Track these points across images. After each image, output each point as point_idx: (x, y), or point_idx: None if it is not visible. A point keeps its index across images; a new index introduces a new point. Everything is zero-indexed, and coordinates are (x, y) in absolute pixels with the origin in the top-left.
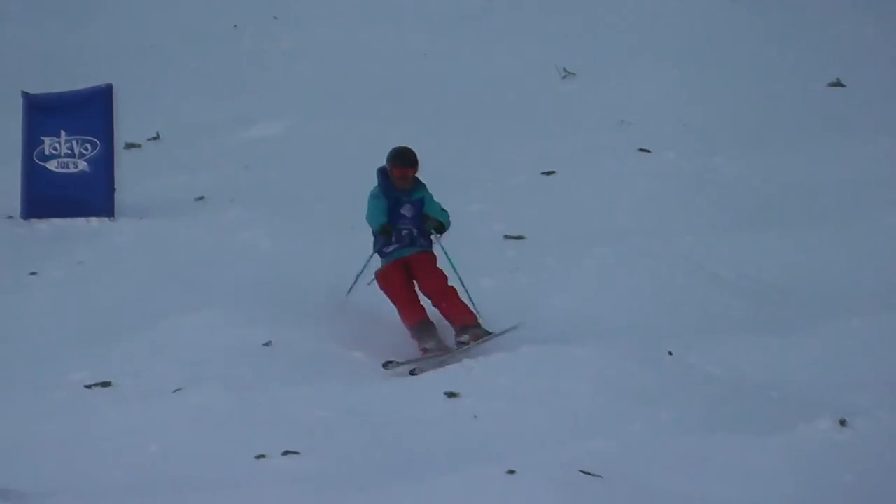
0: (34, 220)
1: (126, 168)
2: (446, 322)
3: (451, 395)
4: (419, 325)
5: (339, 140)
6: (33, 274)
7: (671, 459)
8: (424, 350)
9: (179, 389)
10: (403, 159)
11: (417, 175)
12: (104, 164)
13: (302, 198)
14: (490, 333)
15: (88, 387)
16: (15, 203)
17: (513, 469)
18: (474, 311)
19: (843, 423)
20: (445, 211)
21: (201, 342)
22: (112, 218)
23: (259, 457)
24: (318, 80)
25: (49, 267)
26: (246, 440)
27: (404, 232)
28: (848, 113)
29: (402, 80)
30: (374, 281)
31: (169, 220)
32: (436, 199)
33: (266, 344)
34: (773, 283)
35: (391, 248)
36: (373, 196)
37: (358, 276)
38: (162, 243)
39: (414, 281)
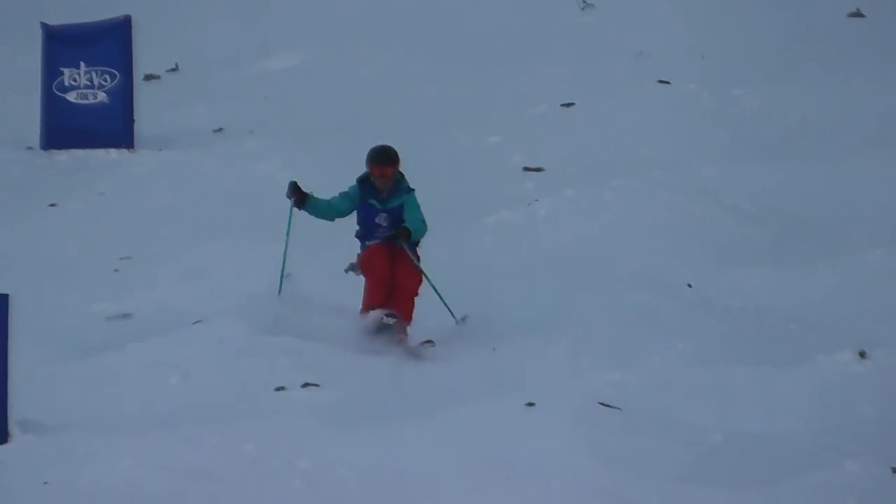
0: (54, 152)
1: (145, 99)
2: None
3: (463, 319)
4: (374, 310)
5: (358, 72)
6: (53, 205)
7: (690, 391)
8: (374, 320)
9: (199, 321)
10: (381, 157)
11: (403, 173)
12: (123, 96)
13: (321, 130)
14: (403, 339)
15: (109, 318)
16: (34, 134)
17: (532, 402)
18: (411, 319)
19: (862, 354)
20: (423, 222)
21: (221, 274)
22: (131, 149)
23: (279, 389)
24: (337, 11)
25: (69, 198)
26: (266, 372)
27: (383, 228)
28: (868, 43)
29: (422, 12)
30: (353, 269)
31: (188, 151)
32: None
33: (286, 276)
34: (793, 214)
35: (374, 240)
36: (342, 192)
37: (282, 271)
38: (181, 175)
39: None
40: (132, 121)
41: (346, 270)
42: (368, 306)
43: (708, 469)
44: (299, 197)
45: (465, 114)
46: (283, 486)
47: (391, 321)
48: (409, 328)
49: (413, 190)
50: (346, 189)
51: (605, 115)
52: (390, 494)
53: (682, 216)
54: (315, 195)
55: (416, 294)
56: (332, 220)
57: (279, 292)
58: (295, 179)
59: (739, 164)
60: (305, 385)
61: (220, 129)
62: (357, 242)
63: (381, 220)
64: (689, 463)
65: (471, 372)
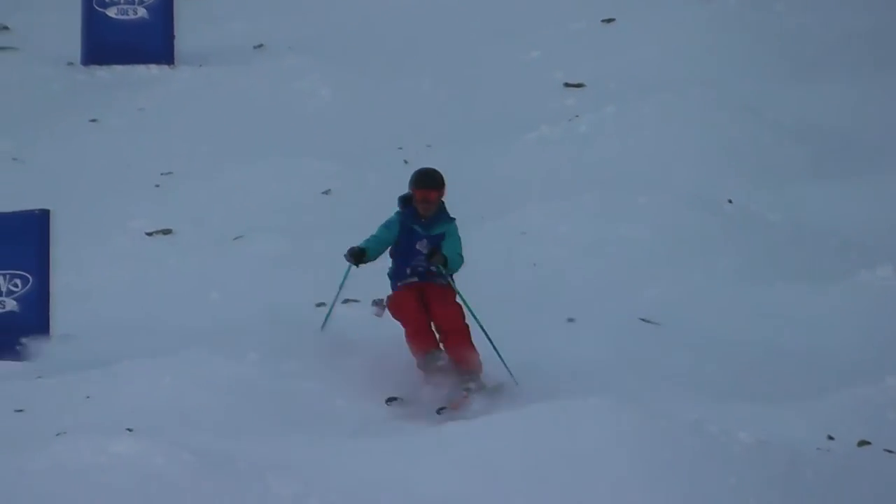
0: (94, 67)
1: (185, 15)
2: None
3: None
4: (428, 356)
5: None
6: (94, 121)
7: (730, 307)
8: (429, 362)
9: (240, 237)
10: (425, 180)
11: (445, 202)
12: (163, 12)
13: (360, 46)
14: (484, 387)
15: (149, 234)
16: (75, 50)
17: (572, 317)
18: (480, 361)
19: None
20: (461, 256)
21: (261, 190)
22: (171, 65)
23: (319, 304)
24: None
25: (109, 114)
26: (306, 287)
27: (420, 269)
28: None
29: None
30: (383, 309)
31: (228, 67)
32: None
33: (325, 192)
34: (834, 130)
35: (407, 281)
36: (384, 223)
37: (337, 295)
38: (221, 91)
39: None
40: (172, 36)
41: (373, 304)
42: (424, 352)
43: (748, 385)
44: (357, 258)
45: (506, 28)
46: (324, 404)
47: (471, 385)
48: (481, 370)
49: (454, 219)
50: (387, 219)
51: (646, 31)
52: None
53: (723, 132)
54: (366, 247)
55: (467, 327)
56: (382, 253)
57: (322, 327)
58: (353, 246)
59: (781, 80)
60: (346, 301)
61: (259, 46)
62: (387, 282)
63: (423, 246)
64: (729, 379)
65: (512, 288)
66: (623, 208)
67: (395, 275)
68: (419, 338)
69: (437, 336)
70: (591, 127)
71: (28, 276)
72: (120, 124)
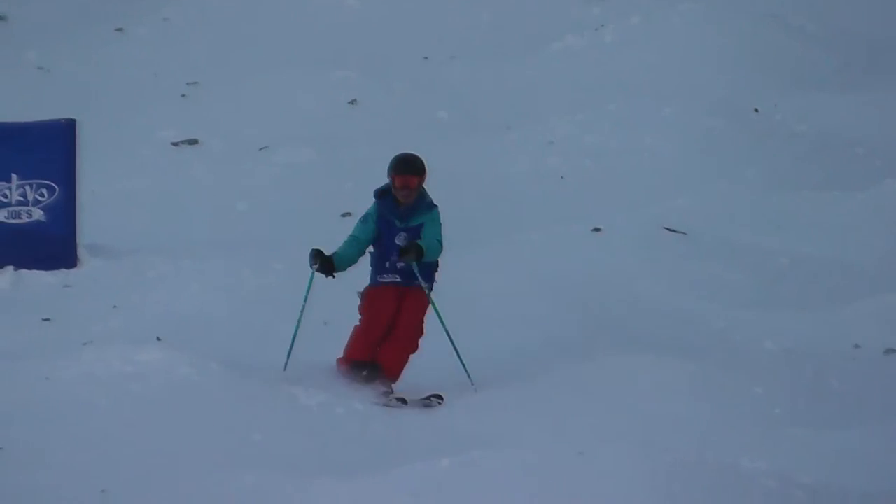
0: None
1: None
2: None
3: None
4: (353, 364)
5: None
6: (119, 30)
7: (757, 216)
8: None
9: (266, 147)
10: (405, 166)
11: (426, 189)
12: None
13: None
14: (393, 398)
15: (175, 144)
16: None
17: (598, 227)
18: (399, 376)
19: None
20: (440, 243)
21: (287, 100)
22: None
23: (345, 215)
24: None
25: (134, 23)
26: (332, 197)
27: (399, 266)
28: None
29: None
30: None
31: None
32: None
33: (351, 102)
34: (861, 37)
35: (387, 279)
36: (361, 217)
37: (301, 312)
38: (247, 1)
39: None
40: None
41: (358, 295)
42: (349, 360)
43: (773, 293)
44: (325, 264)
45: None
46: (350, 309)
47: (389, 396)
48: (394, 385)
49: (437, 207)
50: (366, 211)
51: None
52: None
53: (749, 41)
54: (337, 252)
55: (415, 350)
56: (363, 253)
57: (284, 368)
58: (317, 248)
59: None
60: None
61: None
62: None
63: (401, 239)
64: (755, 287)
65: (538, 198)
66: (649, 118)
67: (374, 265)
68: (361, 344)
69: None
70: (616, 36)
71: (55, 185)
72: (145, 34)
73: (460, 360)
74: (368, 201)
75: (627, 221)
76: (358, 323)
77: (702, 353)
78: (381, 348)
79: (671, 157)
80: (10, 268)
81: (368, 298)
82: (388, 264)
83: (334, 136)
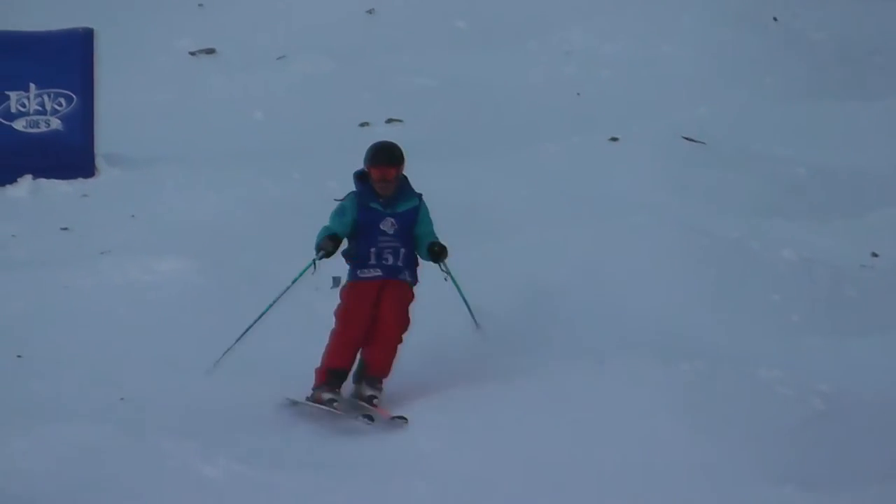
0: None
1: None
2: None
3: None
4: (331, 375)
5: None
6: None
7: (775, 125)
8: (318, 400)
9: (283, 57)
10: (383, 156)
11: (407, 176)
12: None
13: None
14: (371, 416)
15: (192, 53)
16: None
17: (616, 136)
18: (388, 374)
19: None
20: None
21: (305, 9)
22: None
23: (363, 125)
24: None
25: None
26: (350, 107)
27: (386, 253)
28: None
29: None
30: (340, 287)
31: None
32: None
33: (369, 11)
34: None
35: (368, 274)
36: (340, 205)
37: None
38: None
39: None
40: None
41: (332, 287)
42: (325, 371)
43: (791, 202)
44: (335, 246)
45: None
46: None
47: (370, 394)
48: (384, 383)
49: (421, 195)
50: (341, 201)
51: None
52: (479, 223)
53: None
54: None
55: (401, 342)
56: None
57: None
58: (329, 234)
59: None
60: (389, 121)
61: None
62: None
63: (387, 226)
64: (772, 196)
65: (555, 109)
66: (667, 27)
67: (357, 258)
68: (342, 350)
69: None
70: None
71: (72, 95)
72: None
73: (467, 306)
74: (386, 111)
75: (645, 131)
76: (334, 326)
77: (720, 262)
78: (366, 347)
79: (689, 66)
80: (28, 177)
81: (345, 300)
82: (372, 252)
83: (352, 46)
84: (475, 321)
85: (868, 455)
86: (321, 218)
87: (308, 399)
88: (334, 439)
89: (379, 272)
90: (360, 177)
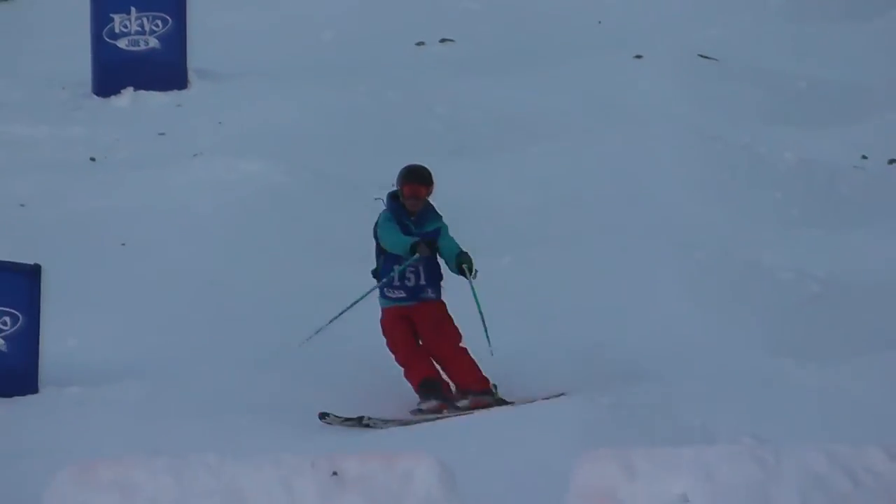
0: None
1: None
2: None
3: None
4: (424, 383)
5: None
6: None
7: (780, 43)
8: (419, 411)
9: None
10: (415, 176)
11: (432, 202)
12: None
13: None
14: (501, 401)
15: None
16: None
17: (639, 54)
18: (485, 375)
19: None
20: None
21: None
22: None
23: (419, 44)
24: None
25: None
26: (407, 28)
27: (409, 272)
28: None
29: None
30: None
31: None
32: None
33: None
34: None
35: (395, 295)
36: (384, 219)
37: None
38: None
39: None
40: None
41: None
42: (419, 387)
43: (792, 111)
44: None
45: None
46: (423, 129)
47: (464, 403)
48: (492, 385)
49: (442, 217)
50: (383, 214)
51: None
52: (520, 134)
53: None
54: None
55: (464, 348)
56: None
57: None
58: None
59: None
60: (443, 41)
61: None
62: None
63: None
64: (777, 106)
65: (583, 30)
66: None
67: (383, 273)
68: (414, 368)
69: (439, 364)
70: None
71: (168, 17)
72: None
73: (484, 327)
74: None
75: (666, 49)
76: (397, 352)
77: (730, 164)
78: (448, 369)
79: None
80: (130, 89)
81: (388, 330)
82: (395, 269)
83: None
84: (489, 342)
85: (857, 331)
86: (382, 124)
87: (419, 410)
88: None
89: (403, 294)
90: (394, 197)
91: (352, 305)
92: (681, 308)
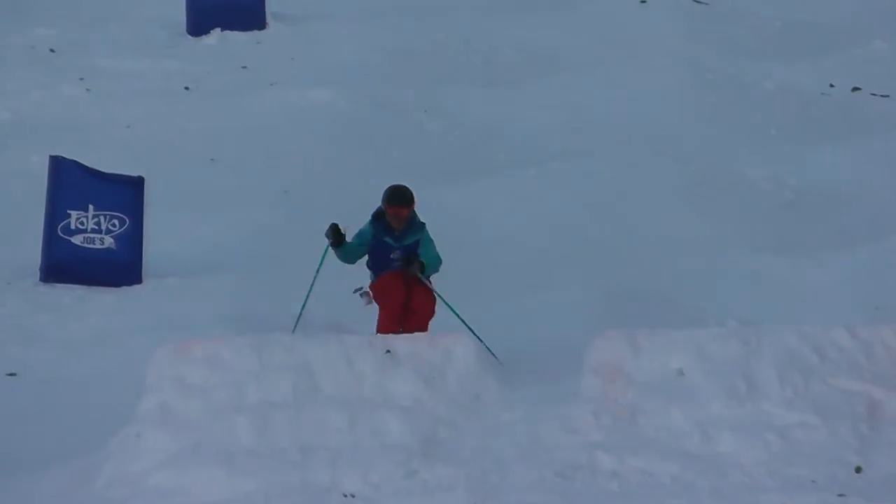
0: None
1: None
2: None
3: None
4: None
5: None
6: None
7: None
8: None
9: None
10: (397, 199)
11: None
12: None
13: None
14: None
15: None
16: None
17: (644, 0)
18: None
19: None
20: (439, 258)
21: None
22: None
23: None
24: None
25: None
26: None
27: (397, 267)
28: None
29: None
30: (361, 294)
31: None
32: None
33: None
34: None
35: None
36: (358, 232)
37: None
38: None
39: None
40: None
41: (355, 292)
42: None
43: (770, 46)
44: (338, 240)
45: None
46: (465, 63)
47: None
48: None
49: (425, 224)
50: (360, 228)
51: None
52: (544, 67)
53: None
54: (349, 241)
55: (432, 317)
56: (353, 263)
57: (293, 330)
58: (335, 223)
59: None
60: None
61: None
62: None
63: (397, 256)
64: (757, 43)
65: None
66: None
67: (373, 271)
68: (388, 322)
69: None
70: None
71: None
72: None
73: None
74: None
75: None
76: (379, 310)
77: (717, 91)
78: (405, 327)
79: None
80: (217, 29)
81: (379, 286)
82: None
83: None
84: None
85: (825, 231)
86: (430, 59)
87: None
88: None
89: (398, 264)
90: (377, 215)
91: (314, 279)
92: (678, 211)
